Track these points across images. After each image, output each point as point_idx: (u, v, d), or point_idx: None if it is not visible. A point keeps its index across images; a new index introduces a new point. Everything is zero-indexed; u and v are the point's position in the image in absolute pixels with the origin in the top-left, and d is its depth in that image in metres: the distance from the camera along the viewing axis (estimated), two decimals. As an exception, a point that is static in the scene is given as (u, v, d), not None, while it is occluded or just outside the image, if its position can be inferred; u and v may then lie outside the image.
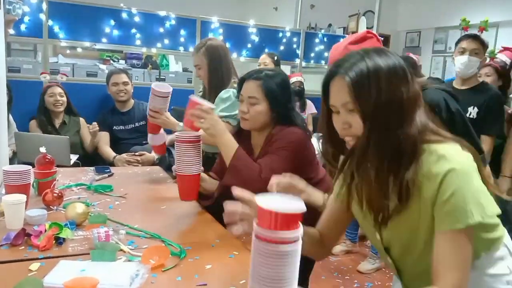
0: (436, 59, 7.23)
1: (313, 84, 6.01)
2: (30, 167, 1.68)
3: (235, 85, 2.34)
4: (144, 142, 3.27)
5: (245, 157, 1.59)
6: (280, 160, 1.58)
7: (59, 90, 3.09)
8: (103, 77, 3.55)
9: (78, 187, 2.00)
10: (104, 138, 3.23)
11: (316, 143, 3.62)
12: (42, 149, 2.53)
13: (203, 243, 1.43)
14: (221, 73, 2.32)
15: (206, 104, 1.65)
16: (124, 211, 1.72)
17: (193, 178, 1.61)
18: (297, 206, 0.73)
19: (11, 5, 2.47)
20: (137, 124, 3.30)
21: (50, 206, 1.66)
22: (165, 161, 3.43)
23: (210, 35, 3.98)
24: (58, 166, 2.53)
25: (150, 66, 4.45)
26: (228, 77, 2.34)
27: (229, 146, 1.60)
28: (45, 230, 1.35)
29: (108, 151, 3.15)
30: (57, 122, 3.11)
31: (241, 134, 1.77)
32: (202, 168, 1.65)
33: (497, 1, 5.90)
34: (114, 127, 3.29)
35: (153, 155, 3.13)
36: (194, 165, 1.60)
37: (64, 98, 3.11)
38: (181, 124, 2.30)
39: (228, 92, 2.28)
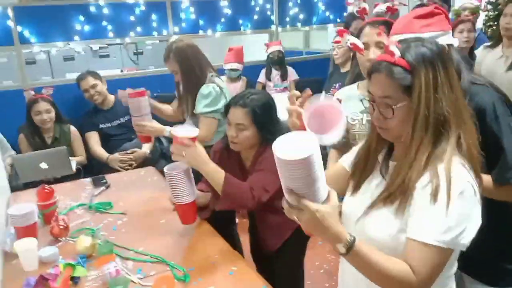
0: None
1: (290, 41, 5.99)
2: (33, 206, 1.79)
3: (213, 79, 2.41)
4: (133, 136, 3.35)
5: (235, 181, 1.65)
6: (268, 175, 1.65)
7: (45, 106, 2.99)
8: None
9: (80, 208, 2.13)
10: (93, 139, 3.29)
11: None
12: (43, 165, 2.64)
13: (204, 261, 1.59)
14: (195, 72, 2.38)
15: (187, 133, 1.63)
16: (127, 231, 1.86)
17: (190, 206, 1.72)
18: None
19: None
20: (122, 120, 3.33)
21: (58, 238, 1.79)
22: (157, 151, 3.54)
23: (182, 15, 3.94)
24: (62, 177, 2.66)
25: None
26: (203, 73, 2.40)
27: (215, 174, 1.64)
28: (60, 272, 1.49)
29: (100, 152, 3.23)
30: (48, 137, 3.08)
31: (230, 149, 1.84)
32: (197, 192, 1.75)
33: None
34: (101, 125, 3.33)
35: (144, 151, 3.24)
36: (188, 193, 1.69)
37: (52, 114, 3.03)
38: (167, 128, 2.39)
39: (209, 88, 2.35)
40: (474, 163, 1.00)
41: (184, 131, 1.64)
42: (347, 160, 1.26)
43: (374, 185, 1.10)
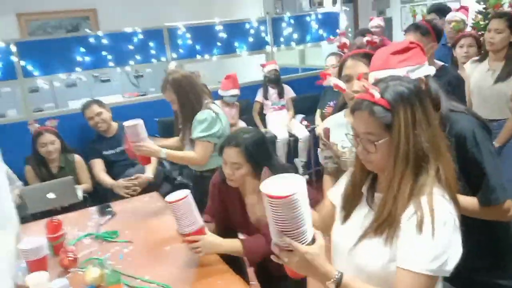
0: (406, 10, 7.28)
1: (286, 59, 6.12)
2: (43, 239, 1.86)
3: (208, 105, 2.52)
4: (136, 162, 3.43)
5: (252, 244, 1.76)
6: None
7: (50, 138, 3.09)
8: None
9: (87, 238, 2.20)
10: (98, 166, 3.38)
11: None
12: (50, 195, 2.75)
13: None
14: (191, 101, 2.50)
15: (193, 228, 1.74)
16: (133, 260, 1.94)
17: (197, 233, 1.77)
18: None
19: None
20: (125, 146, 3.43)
21: (68, 269, 1.87)
22: (160, 174, 3.63)
23: (179, 42, 4.07)
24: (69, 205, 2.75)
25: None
26: (199, 101, 2.51)
27: (234, 248, 1.79)
28: (72, 304, 1.56)
29: (105, 179, 3.30)
30: (54, 167, 3.16)
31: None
32: (202, 222, 1.80)
33: None
34: (104, 152, 3.42)
35: (147, 176, 3.31)
36: (193, 221, 1.75)
37: (57, 145, 3.13)
38: (163, 150, 2.49)
39: (204, 114, 2.47)
40: (453, 193, 1.08)
41: (189, 227, 1.74)
42: (334, 194, 1.35)
43: (362, 216, 1.18)
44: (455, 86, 2.45)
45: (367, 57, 1.55)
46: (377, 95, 1.06)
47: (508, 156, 2.87)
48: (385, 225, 1.07)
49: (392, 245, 1.06)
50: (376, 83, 1.12)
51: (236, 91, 4.16)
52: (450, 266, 1.03)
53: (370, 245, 1.10)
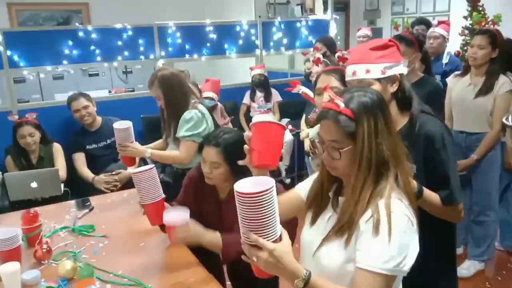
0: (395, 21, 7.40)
1: (276, 63, 6.17)
2: (17, 230, 1.86)
3: (196, 105, 2.54)
4: (119, 157, 3.43)
5: (231, 240, 1.73)
6: None
7: (29, 130, 3.10)
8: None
9: (63, 231, 2.20)
10: (80, 159, 3.38)
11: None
12: (33, 185, 2.74)
13: (179, 284, 1.66)
14: (177, 99, 2.51)
15: (177, 218, 1.74)
16: (108, 254, 1.94)
17: (157, 204, 1.82)
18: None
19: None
20: (108, 141, 3.43)
21: (41, 261, 1.86)
22: (142, 171, 3.63)
23: (169, 40, 4.08)
24: (50, 197, 2.74)
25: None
26: (186, 100, 2.53)
27: (214, 243, 1.78)
28: (42, 295, 1.56)
29: (85, 173, 3.31)
30: (34, 158, 3.16)
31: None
32: (163, 195, 1.84)
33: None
34: (87, 147, 3.43)
35: (129, 172, 3.32)
36: (155, 193, 1.80)
37: (36, 137, 3.12)
38: (149, 150, 2.51)
39: (191, 113, 2.48)
40: (410, 197, 1.14)
41: (174, 217, 1.75)
42: (302, 188, 1.40)
43: (327, 218, 1.23)
44: (435, 97, 2.52)
45: (338, 72, 1.62)
46: (342, 105, 1.11)
47: (485, 169, 2.94)
48: (345, 227, 1.12)
49: (349, 246, 1.11)
50: (342, 93, 1.17)
51: (211, 94, 4.01)
52: (407, 266, 1.07)
53: (332, 246, 1.15)
